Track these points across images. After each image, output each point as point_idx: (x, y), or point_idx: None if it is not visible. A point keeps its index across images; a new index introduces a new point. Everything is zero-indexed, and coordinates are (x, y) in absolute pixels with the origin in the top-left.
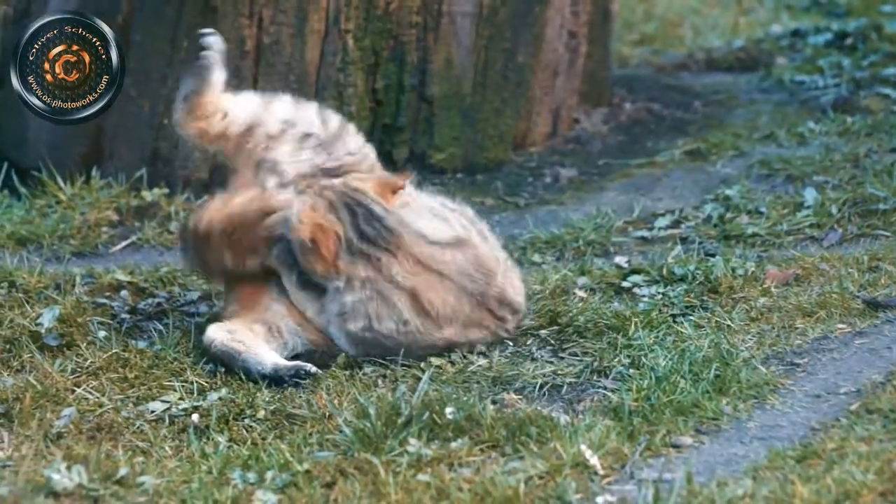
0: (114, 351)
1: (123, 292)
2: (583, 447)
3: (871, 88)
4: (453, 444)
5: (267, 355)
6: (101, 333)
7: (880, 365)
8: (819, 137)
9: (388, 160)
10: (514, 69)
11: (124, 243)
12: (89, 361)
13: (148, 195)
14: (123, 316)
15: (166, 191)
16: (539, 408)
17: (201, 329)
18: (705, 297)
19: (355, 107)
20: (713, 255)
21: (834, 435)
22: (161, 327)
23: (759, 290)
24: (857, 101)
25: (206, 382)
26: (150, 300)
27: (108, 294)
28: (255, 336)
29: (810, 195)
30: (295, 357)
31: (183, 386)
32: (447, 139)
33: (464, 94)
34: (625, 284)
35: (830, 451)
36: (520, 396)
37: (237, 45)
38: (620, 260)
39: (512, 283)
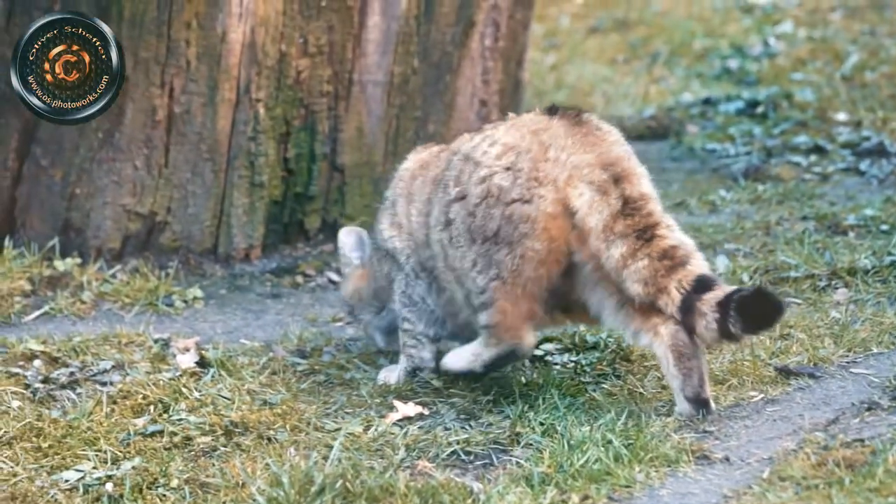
0: (27, 420)
1: (37, 362)
2: None
3: (781, 156)
4: None
5: None
6: (15, 403)
7: (792, 432)
8: (730, 205)
9: (299, 229)
10: (425, 137)
11: (37, 313)
12: (3, 431)
13: (60, 265)
14: (37, 385)
15: (79, 260)
16: (452, 475)
17: (113, 398)
18: (617, 365)
19: (267, 176)
20: None
21: (746, 502)
22: (74, 396)
23: None
24: (768, 169)
25: (120, 451)
26: (63, 369)
27: (21, 363)
28: None
29: (722, 263)
30: None
31: (97, 455)
32: (359, 207)
33: (375, 162)
34: (538, 352)
35: None
36: (433, 464)
37: (148, 115)
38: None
39: None
